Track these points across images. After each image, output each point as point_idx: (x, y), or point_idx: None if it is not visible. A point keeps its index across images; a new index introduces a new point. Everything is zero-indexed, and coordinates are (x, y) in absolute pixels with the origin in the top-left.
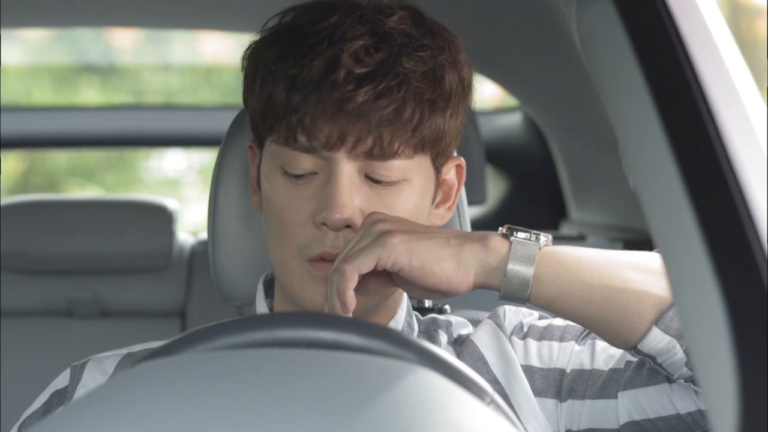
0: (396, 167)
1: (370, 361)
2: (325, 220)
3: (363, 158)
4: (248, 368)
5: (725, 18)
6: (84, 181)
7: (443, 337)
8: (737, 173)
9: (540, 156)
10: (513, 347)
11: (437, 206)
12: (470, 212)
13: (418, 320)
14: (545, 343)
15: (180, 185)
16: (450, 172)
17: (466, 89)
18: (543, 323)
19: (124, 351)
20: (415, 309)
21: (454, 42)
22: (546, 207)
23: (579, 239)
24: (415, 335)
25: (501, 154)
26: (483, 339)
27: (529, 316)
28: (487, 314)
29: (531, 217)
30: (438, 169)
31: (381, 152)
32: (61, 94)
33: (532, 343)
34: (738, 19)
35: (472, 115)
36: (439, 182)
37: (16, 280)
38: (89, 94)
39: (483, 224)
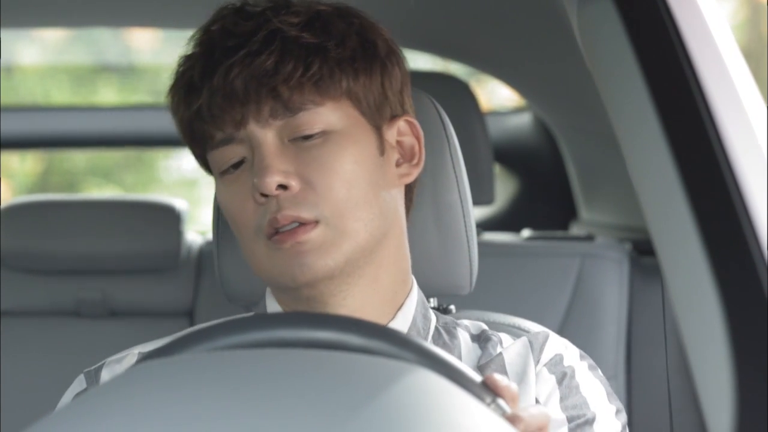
0: (310, 118)
1: (370, 361)
2: (257, 187)
3: (275, 121)
4: (248, 368)
5: (746, 18)
6: (102, 181)
7: (463, 334)
8: (736, 172)
9: (550, 156)
10: (537, 376)
11: (399, 165)
12: (480, 212)
13: (437, 316)
14: (569, 402)
15: (198, 185)
16: (405, 134)
17: (370, 48)
18: (586, 385)
19: (136, 350)
20: None
21: (344, 8)
22: (556, 207)
23: (588, 239)
24: (432, 327)
25: (510, 155)
26: (510, 353)
27: (579, 358)
28: (488, 313)
29: (541, 217)
30: (374, 125)
31: (285, 107)
32: (79, 94)
33: (555, 394)
34: (759, 19)
35: (480, 115)
36: (381, 137)
37: (23, 280)
38: (108, 94)
39: (493, 224)
